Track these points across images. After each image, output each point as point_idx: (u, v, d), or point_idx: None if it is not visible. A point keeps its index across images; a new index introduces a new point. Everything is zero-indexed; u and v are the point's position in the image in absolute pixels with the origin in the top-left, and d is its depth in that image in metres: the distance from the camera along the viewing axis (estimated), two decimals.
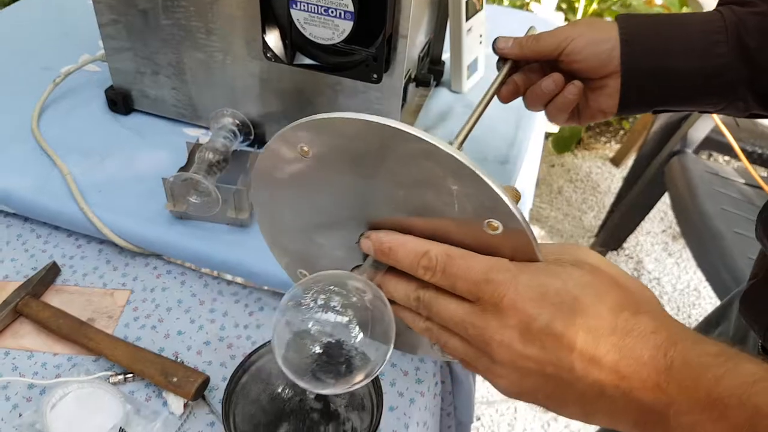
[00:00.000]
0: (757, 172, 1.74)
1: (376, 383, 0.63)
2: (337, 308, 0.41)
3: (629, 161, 2.49)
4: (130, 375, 0.67)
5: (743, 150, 1.74)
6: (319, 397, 0.67)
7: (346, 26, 0.73)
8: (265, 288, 0.79)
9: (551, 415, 1.78)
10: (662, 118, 1.95)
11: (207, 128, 0.94)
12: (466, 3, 0.97)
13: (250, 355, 0.66)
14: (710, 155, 2.47)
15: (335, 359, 0.41)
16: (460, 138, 0.59)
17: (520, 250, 0.38)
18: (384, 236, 0.41)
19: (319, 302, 0.41)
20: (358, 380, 0.42)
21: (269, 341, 0.66)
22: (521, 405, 1.79)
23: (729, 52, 0.59)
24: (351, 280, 0.42)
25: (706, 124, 1.77)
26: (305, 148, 0.41)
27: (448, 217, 0.39)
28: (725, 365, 0.34)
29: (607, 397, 0.36)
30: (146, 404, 0.66)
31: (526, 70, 0.67)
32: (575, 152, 2.77)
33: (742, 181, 1.73)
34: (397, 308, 0.43)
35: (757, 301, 0.62)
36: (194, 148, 0.81)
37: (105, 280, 0.78)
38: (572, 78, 0.64)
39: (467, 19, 0.99)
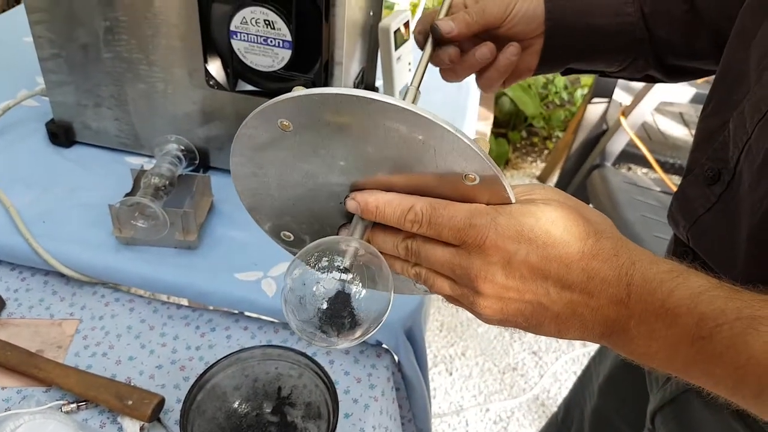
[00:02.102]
0: (671, 180, 1.88)
1: (331, 390, 0.66)
2: (340, 267, 0.45)
3: (554, 178, 2.61)
4: (83, 402, 0.67)
5: (657, 161, 1.87)
6: (276, 410, 0.70)
7: (285, 54, 0.77)
8: (216, 309, 0.80)
9: (501, 425, 1.83)
10: (581, 136, 2.07)
11: (150, 156, 0.96)
12: (395, 34, 1.03)
13: (205, 372, 0.67)
14: (629, 168, 2.63)
15: (340, 314, 0.45)
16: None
17: (495, 194, 0.43)
18: (369, 196, 0.45)
19: (323, 264, 0.45)
20: (362, 333, 0.46)
21: (223, 358, 0.68)
22: (471, 417, 1.84)
23: (635, 13, 0.67)
24: (346, 242, 0.46)
25: (621, 139, 1.89)
26: (285, 123, 0.43)
27: (428, 173, 0.43)
28: (676, 280, 0.39)
29: (578, 315, 0.42)
30: (101, 431, 0.66)
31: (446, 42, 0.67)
32: (504, 172, 2.88)
33: (658, 189, 1.85)
34: (387, 258, 0.47)
35: None
36: (139, 175, 0.82)
37: (52, 311, 0.77)
38: (499, 43, 0.66)
39: (396, 48, 1.05)
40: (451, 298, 0.46)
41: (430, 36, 0.64)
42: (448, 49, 0.65)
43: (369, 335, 0.47)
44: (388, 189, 0.45)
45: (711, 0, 0.65)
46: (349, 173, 0.46)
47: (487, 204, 0.43)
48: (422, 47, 0.65)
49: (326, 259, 0.45)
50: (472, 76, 0.70)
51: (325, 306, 0.45)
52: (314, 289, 0.45)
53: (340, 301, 0.46)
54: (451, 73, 0.68)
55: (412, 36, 1.12)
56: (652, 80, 0.74)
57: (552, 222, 0.41)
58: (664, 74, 0.71)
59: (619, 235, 0.43)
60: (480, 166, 0.41)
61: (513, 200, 0.43)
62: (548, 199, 0.43)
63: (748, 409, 0.40)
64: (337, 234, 0.50)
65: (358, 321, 0.46)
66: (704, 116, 0.61)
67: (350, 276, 0.45)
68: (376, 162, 0.44)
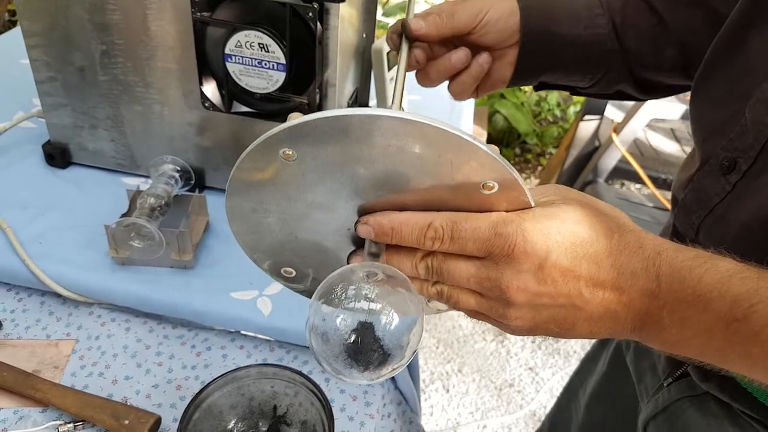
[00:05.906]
0: (663, 196, 1.89)
1: (327, 409, 0.66)
2: (369, 296, 0.42)
3: None
4: (80, 423, 0.68)
5: (649, 176, 1.88)
6: (272, 429, 0.70)
7: (280, 77, 0.78)
8: (211, 328, 0.81)
9: None
10: (574, 152, 2.09)
11: (146, 177, 0.96)
12: (387, 55, 1.05)
13: (201, 391, 0.67)
14: (622, 184, 2.64)
15: (370, 348, 0.42)
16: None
17: (514, 200, 0.41)
18: (382, 218, 0.42)
19: (349, 294, 0.42)
20: (397, 364, 0.43)
21: (219, 377, 0.68)
22: None
23: (606, 25, 0.67)
24: (365, 269, 0.43)
25: (613, 155, 1.91)
26: (288, 152, 0.40)
27: (443, 187, 0.40)
28: (704, 266, 0.39)
29: (611, 312, 0.41)
30: None
31: (418, 45, 0.66)
32: None
33: (651, 204, 1.87)
34: None
35: None
36: (135, 195, 0.83)
37: (48, 331, 0.78)
38: (474, 51, 0.66)
39: (389, 69, 1.07)
40: (475, 313, 0.45)
41: (403, 38, 0.63)
42: (415, 50, 0.65)
43: (405, 364, 0.43)
44: (400, 209, 0.43)
45: (678, 15, 0.66)
46: (358, 197, 0.43)
47: (506, 211, 0.41)
48: (396, 47, 0.65)
49: (351, 289, 0.42)
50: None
51: (352, 340, 0.42)
52: (338, 324, 0.42)
53: (369, 333, 0.42)
54: (426, 77, 0.68)
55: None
56: (623, 97, 0.74)
57: (576, 221, 0.41)
58: (634, 88, 0.72)
59: (639, 228, 0.43)
60: (499, 173, 0.39)
61: (533, 204, 0.42)
62: (567, 199, 0.42)
63: None
64: (348, 263, 0.47)
65: (389, 351, 0.42)
66: (702, 107, 0.60)
67: (378, 306, 0.42)
68: (387, 181, 0.41)
